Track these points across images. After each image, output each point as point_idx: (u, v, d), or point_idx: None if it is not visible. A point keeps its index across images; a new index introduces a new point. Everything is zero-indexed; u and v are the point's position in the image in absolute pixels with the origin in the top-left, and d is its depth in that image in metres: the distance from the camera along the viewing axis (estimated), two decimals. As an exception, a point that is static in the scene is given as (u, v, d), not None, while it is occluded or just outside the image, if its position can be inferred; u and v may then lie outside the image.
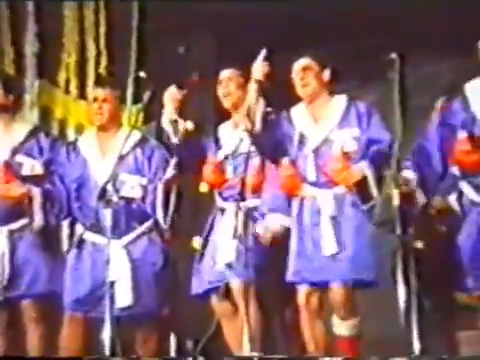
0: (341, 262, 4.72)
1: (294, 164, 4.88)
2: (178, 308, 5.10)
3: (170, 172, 5.00)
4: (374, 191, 4.70)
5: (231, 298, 4.93)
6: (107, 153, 5.19)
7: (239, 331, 4.52)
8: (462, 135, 4.52)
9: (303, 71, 4.93)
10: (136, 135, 5.23)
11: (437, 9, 5.77)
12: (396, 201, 4.19)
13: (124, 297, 4.96)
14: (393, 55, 4.21)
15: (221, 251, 4.93)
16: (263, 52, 4.87)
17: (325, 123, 4.91)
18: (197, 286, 5.06)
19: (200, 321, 5.10)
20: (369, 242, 4.73)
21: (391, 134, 4.70)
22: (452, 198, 4.94)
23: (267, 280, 4.84)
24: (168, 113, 5.05)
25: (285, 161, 4.88)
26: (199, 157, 5.17)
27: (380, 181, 4.73)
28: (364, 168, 4.72)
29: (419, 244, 4.71)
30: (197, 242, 5.15)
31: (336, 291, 4.72)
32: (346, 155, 4.77)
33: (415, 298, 3.99)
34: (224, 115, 5.29)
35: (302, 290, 4.78)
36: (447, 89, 6.51)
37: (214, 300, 5.01)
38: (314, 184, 4.85)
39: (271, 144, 4.93)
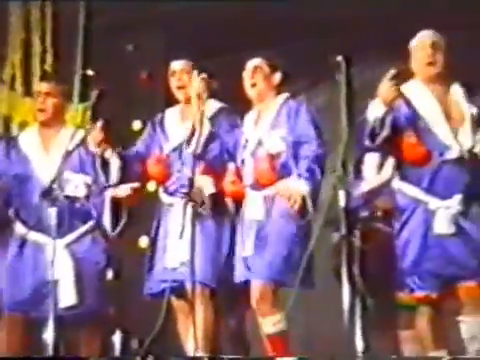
0: (260, 262, 4.75)
1: (239, 169, 4.90)
2: (124, 307, 5.06)
3: (116, 176, 4.97)
4: (310, 208, 4.71)
5: (185, 297, 4.90)
6: (50, 150, 5.13)
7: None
8: (408, 132, 4.58)
9: (253, 71, 4.93)
10: (81, 133, 5.19)
11: (380, 13, 5.83)
12: (342, 202, 4.21)
13: (67, 297, 4.92)
14: (339, 58, 4.24)
15: (171, 249, 4.91)
16: None
17: (261, 125, 4.93)
18: (149, 285, 5.03)
19: (147, 320, 5.08)
20: (291, 244, 4.75)
21: (318, 131, 4.72)
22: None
23: (218, 279, 4.85)
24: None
25: (231, 166, 4.88)
26: (147, 156, 5.15)
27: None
28: (301, 187, 4.72)
29: (362, 244, 4.78)
30: (144, 241, 5.12)
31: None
32: (272, 157, 4.78)
33: (359, 298, 4.04)
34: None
35: (253, 289, 4.78)
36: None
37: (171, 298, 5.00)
38: (252, 187, 4.86)
39: (218, 147, 4.93)
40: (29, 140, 5.22)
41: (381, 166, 5.24)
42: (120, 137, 5.24)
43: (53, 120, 5.18)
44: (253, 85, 4.93)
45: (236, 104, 5.16)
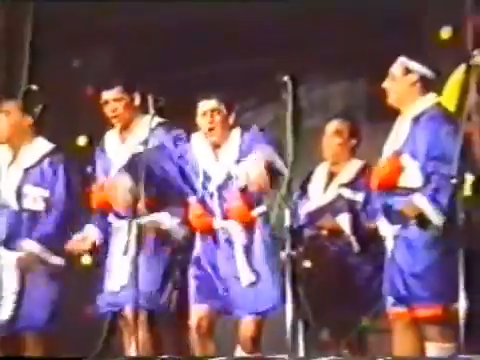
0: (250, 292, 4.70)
1: (202, 202, 4.85)
2: (66, 325, 5.01)
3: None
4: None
5: (127, 319, 4.86)
6: (13, 164, 5.14)
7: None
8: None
9: (211, 115, 4.83)
10: (45, 147, 5.15)
11: (328, 33, 5.89)
12: (287, 221, 4.22)
13: (8, 311, 4.88)
14: (285, 78, 4.25)
15: (115, 272, 4.88)
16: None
17: (225, 158, 4.87)
18: (97, 306, 4.97)
19: (88, 338, 5.03)
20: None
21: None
22: (342, 218, 5.03)
23: (159, 304, 4.81)
24: None
25: (193, 200, 4.86)
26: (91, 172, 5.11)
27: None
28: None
29: (308, 263, 4.78)
30: (87, 259, 5.08)
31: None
32: (244, 191, 4.75)
33: (303, 317, 4.04)
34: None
35: (196, 313, 4.76)
36: (338, 111, 6.70)
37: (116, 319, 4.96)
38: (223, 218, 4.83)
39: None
40: None
41: (327, 185, 5.27)
42: (65, 152, 5.20)
43: (13, 136, 5.14)
44: (212, 129, 4.86)
45: (183, 120, 5.13)
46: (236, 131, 4.88)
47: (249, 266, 4.69)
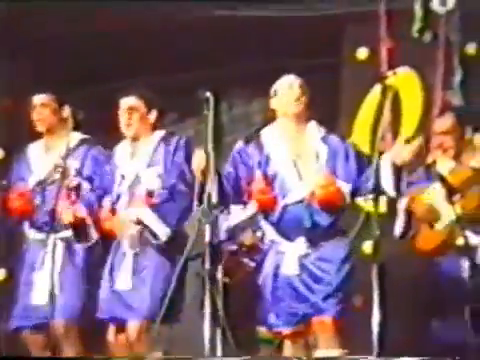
0: (137, 298, 4.74)
1: (115, 205, 4.85)
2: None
3: None
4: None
5: (48, 332, 4.81)
6: None
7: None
8: (258, 174, 4.65)
9: (128, 112, 4.88)
10: None
11: (250, 50, 5.95)
12: (207, 237, 4.24)
13: None
14: (207, 93, 4.28)
15: (35, 285, 4.82)
16: None
17: (138, 161, 4.91)
18: (13, 321, 4.92)
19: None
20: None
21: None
22: (259, 235, 5.07)
23: (81, 317, 4.80)
24: None
25: (106, 203, 4.83)
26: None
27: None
28: None
29: (226, 279, 4.80)
30: (1, 274, 5.01)
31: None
32: (150, 194, 4.78)
33: (220, 332, 4.06)
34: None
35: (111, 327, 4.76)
36: (259, 127, 6.76)
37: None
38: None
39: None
40: None
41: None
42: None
43: None
44: (129, 125, 4.87)
45: (105, 135, 5.12)
46: (156, 135, 4.88)
47: (133, 272, 4.71)
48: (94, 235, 4.85)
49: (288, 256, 4.60)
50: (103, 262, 4.86)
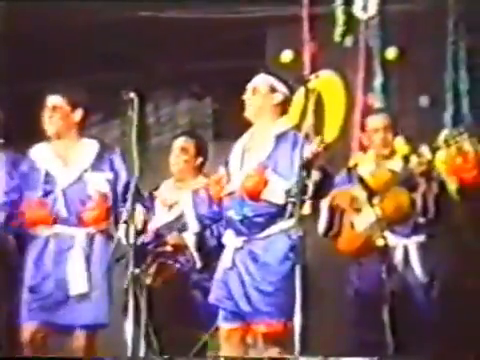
0: (87, 303, 4.69)
1: (42, 203, 4.78)
2: None
3: None
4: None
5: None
6: None
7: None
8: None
9: (52, 110, 4.85)
10: None
11: (175, 50, 5.95)
12: (132, 238, 4.23)
13: None
14: (131, 94, 4.28)
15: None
16: None
17: (76, 165, 4.85)
18: None
19: None
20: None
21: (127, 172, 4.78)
22: (188, 235, 5.08)
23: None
24: None
25: (33, 198, 4.79)
26: None
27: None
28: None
29: (153, 281, 4.80)
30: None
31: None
32: (101, 197, 4.76)
33: (144, 334, 4.06)
34: None
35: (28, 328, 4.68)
36: (185, 129, 6.77)
37: None
38: (65, 222, 4.79)
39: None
40: None
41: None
42: None
43: None
44: (52, 124, 4.83)
45: (28, 135, 5.06)
46: (91, 142, 4.88)
47: (83, 276, 4.67)
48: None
49: (226, 249, 4.54)
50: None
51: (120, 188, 4.81)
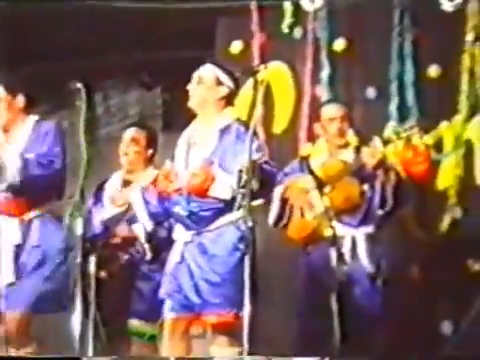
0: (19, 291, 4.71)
1: None
2: None
3: None
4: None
5: None
6: None
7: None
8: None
9: None
10: None
11: (124, 40, 5.93)
12: (79, 229, 4.21)
13: None
14: (78, 85, 4.25)
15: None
16: None
17: (15, 146, 4.83)
18: None
19: None
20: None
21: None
22: (137, 227, 5.07)
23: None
24: None
25: None
26: None
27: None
28: None
29: (101, 273, 4.78)
30: None
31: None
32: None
33: (92, 325, 4.05)
34: None
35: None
36: (135, 120, 6.74)
37: None
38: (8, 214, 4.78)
39: None
40: None
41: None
42: None
43: None
44: None
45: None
46: (30, 119, 4.84)
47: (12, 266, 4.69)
48: None
49: (176, 243, 4.53)
50: None
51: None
